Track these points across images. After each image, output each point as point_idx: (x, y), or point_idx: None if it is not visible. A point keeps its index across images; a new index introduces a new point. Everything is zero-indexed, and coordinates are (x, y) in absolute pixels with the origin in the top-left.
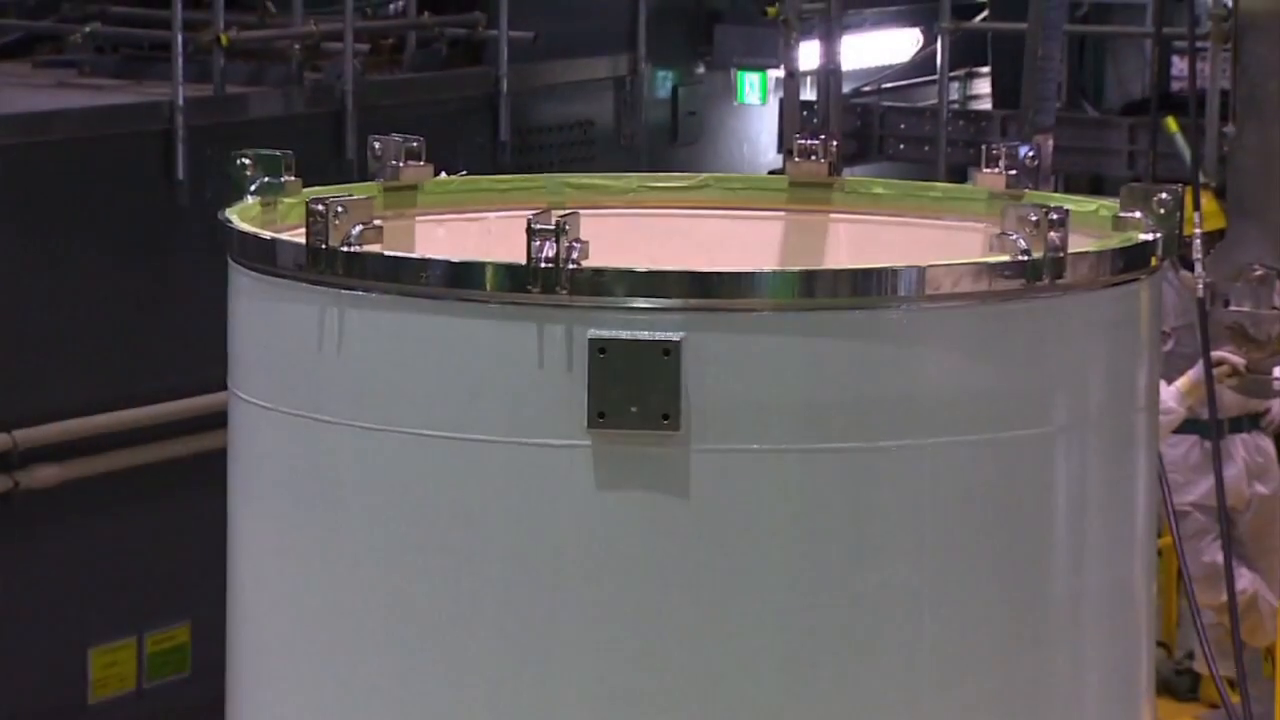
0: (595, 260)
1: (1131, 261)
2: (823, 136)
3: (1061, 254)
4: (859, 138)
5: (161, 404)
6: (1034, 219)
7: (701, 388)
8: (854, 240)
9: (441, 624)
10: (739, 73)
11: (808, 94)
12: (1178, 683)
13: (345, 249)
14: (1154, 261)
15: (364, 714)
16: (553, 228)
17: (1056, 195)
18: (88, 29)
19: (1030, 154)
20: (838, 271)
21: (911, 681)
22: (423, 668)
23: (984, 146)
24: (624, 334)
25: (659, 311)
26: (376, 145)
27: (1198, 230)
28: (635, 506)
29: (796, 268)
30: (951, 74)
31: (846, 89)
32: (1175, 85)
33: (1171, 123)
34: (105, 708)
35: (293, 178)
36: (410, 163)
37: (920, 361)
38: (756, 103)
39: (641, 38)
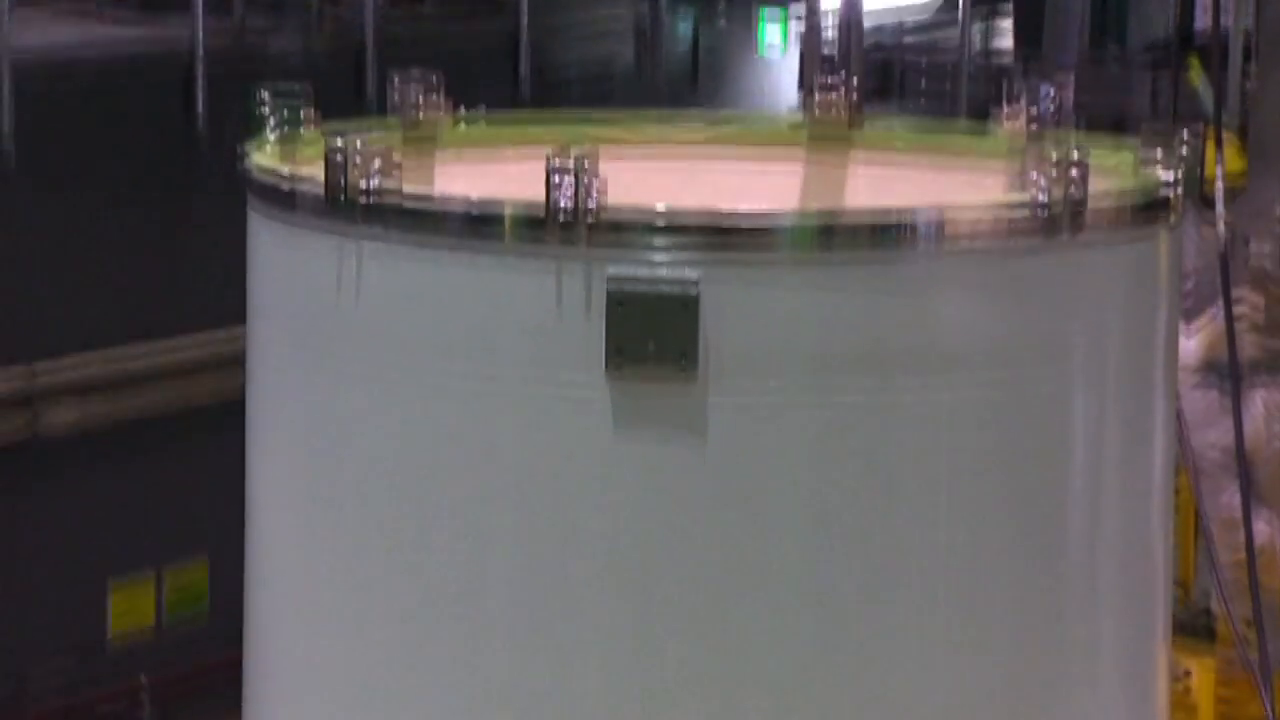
0: (614, 204)
1: (1152, 211)
2: (843, 76)
3: (1082, 202)
4: (880, 78)
5: (181, 342)
6: (1055, 163)
7: (719, 332)
8: (873, 183)
9: (459, 565)
10: (760, 16)
11: (829, 37)
12: (1194, 624)
13: (363, 194)
14: (1174, 209)
15: (380, 657)
16: (571, 167)
17: (1077, 136)
18: None
19: (1051, 95)
20: (856, 216)
21: (929, 624)
22: (438, 610)
23: (1004, 84)
24: (642, 276)
25: (677, 255)
26: (396, 82)
27: (1219, 174)
28: (652, 450)
29: (815, 210)
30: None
31: (867, 33)
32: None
33: (1194, 66)
34: (124, 644)
35: (312, 112)
36: (430, 101)
37: (938, 308)
38: (777, 48)
39: None
